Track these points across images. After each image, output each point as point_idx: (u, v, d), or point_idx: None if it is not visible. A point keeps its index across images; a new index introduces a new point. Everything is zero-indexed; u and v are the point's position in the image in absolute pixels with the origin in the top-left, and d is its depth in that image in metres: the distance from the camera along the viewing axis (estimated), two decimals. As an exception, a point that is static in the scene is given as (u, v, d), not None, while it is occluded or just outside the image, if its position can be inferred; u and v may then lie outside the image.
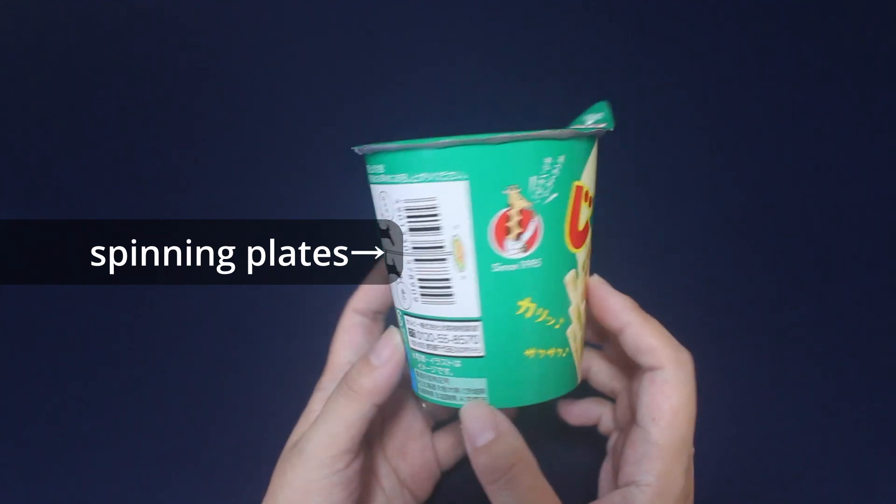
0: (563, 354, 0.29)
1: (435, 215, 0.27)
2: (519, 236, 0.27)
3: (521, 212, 0.26)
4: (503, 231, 0.26)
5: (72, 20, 0.56)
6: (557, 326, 0.28)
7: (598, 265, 0.32)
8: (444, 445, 0.38)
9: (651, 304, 0.38)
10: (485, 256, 0.27)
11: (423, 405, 0.38)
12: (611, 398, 0.36)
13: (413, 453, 0.37)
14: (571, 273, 0.28)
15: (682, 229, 0.48)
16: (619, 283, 0.46)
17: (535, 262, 0.27)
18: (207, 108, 0.53)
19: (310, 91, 0.53)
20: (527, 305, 0.27)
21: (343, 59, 0.53)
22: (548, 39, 0.53)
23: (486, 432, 0.27)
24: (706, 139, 0.51)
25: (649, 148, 0.49)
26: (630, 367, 0.33)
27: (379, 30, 0.54)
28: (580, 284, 0.29)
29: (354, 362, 0.30)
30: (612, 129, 0.29)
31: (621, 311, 0.30)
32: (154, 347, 0.47)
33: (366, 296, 0.35)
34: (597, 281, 0.31)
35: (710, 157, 0.50)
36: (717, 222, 0.49)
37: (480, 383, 0.29)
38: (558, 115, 0.52)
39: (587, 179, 0.28)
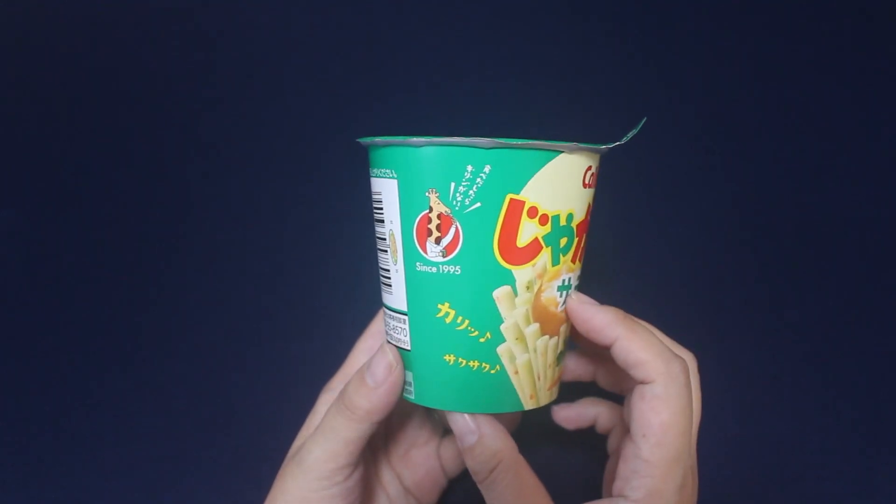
0: (492, 371, 0.28)
1: (381, 209, 0.29)
2: (438, 240, 0.27)
3: (441, 216, 0.27)
4: (424, 232, 0.27)
5: (60, 24, 0.56)
6: (482, 340, 0.28)
7: (598, 265, 0.32)
8: (449, 453, 0.37)
9: (652, 304, 0.38)
10: (410, 254, 0.28)
11: (435, 415, 0.38)
12: (620, 397, 0.35)
13: (418, 461, 0.37)
14: (505, 289, 0.28)
15: (683, 230, 0.48)
16: (620, 284, 0.47)
17: (454, 269, 0.27)
18: (210, 108, 0.53)
19: (314, 90, 0.53)
20: (446, 310, 0.28)
21: (349, 59, 0.54)
22: (549, 41, 0.53)
23: (470, 435, 0.29)
24: (707, 140, 0.51)
25: (650, 149, 0.49)
26: None
27: (389, 31, 0.54)
28: (524, 304, 0.28)
29: (351, 377, 0.30)
30: (590, 146, 0.28)
31: (607, 326, 0.28)
32: (155, 348, 0.47)
33: None
34: (576, 301, 0.29)
35: (710, 158, 0.50)
36: (717, 222, 0.49)
37: (409, 376, 0.30)
38: (557, 118, 0.52)
39: (535, 195, 0.27)
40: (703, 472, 0.31)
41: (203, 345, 0.46)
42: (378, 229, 0.30)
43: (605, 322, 0.28)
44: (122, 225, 0.50)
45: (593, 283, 0.37)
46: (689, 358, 0.31)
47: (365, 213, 0.34)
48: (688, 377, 0.28)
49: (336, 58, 0.53)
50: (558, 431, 0.37)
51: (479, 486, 0.29)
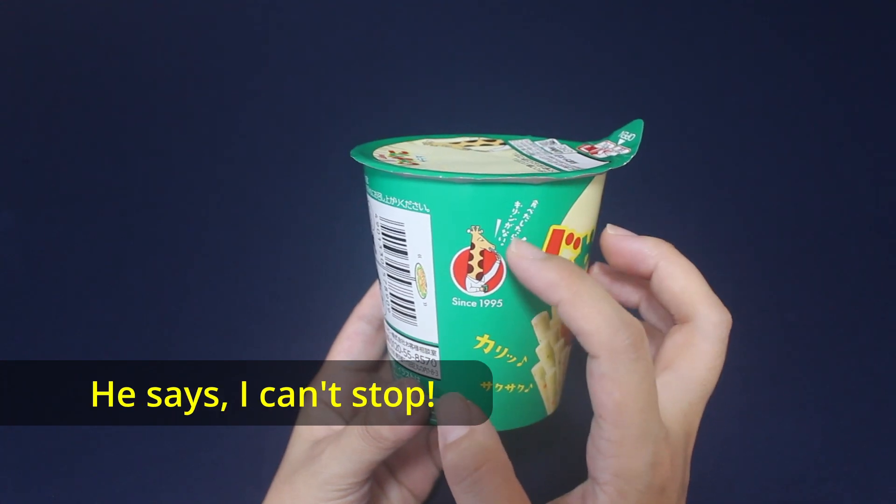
0: (527, 390, 0.29)
1: (402, 240, 0.27)
2: (480, 276, 0.26)
3: (484, 252, 0.26)
4: (464, 269, 0.26)
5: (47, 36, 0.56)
6: (520, 364, 0.28)
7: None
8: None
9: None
10: (445, 289, 0.27)
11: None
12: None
13: (406, 450, 0.37)
14: (542, 315, 0.27)
15: (682, 230, 0.48)
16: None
17: (496, 302, 0.26)
18: (210, 109, 0.53)
19: (310, 95, 0.53)
20: (485, 342, 0.27)
21: (349, 61, 0.53)
22: (551, 41, 0.53)
23: (459, 428, 0.26)
24: (708, 141, 0.51)
25: (651, 150, 0.49)
26: (666, 311, 0.30)
27: (389, 30, 0.54)
28: (556, 325, 0.28)
29: (377, 409, 0.29)
30: (619, 165, 0.27)
31: (548, 288, 0.24)
32: (155, 348, 0.47)
33: (373, 300, 0.35)
34: (516, 254, 0.25)
35: (710, 159, 0.50)
36: (716, 223, 0.48)
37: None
38: (558, 118, 0.52)
39: (573, 222, 0.26)
40: (704, 471, 0.30)
41: (203, 345, 0.46)
42: (394, 258, 0.28)
43: (546, 283, 0.24)
44: (121, 226, 0.50)
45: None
46: (721, 320, 0.29)
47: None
48: (640, 347, 0.24)
49: (332, 58, 0.53)
50: (547, 440, 0.37)
51: (457, 490, 0.26)
